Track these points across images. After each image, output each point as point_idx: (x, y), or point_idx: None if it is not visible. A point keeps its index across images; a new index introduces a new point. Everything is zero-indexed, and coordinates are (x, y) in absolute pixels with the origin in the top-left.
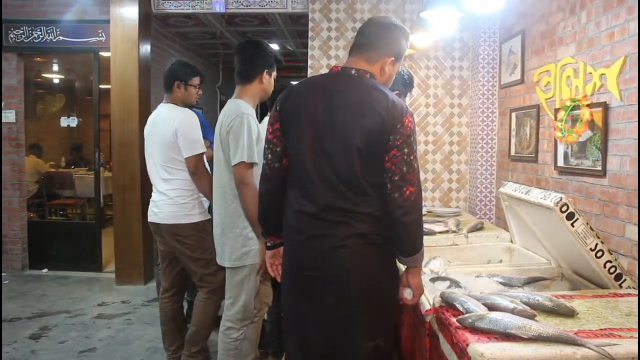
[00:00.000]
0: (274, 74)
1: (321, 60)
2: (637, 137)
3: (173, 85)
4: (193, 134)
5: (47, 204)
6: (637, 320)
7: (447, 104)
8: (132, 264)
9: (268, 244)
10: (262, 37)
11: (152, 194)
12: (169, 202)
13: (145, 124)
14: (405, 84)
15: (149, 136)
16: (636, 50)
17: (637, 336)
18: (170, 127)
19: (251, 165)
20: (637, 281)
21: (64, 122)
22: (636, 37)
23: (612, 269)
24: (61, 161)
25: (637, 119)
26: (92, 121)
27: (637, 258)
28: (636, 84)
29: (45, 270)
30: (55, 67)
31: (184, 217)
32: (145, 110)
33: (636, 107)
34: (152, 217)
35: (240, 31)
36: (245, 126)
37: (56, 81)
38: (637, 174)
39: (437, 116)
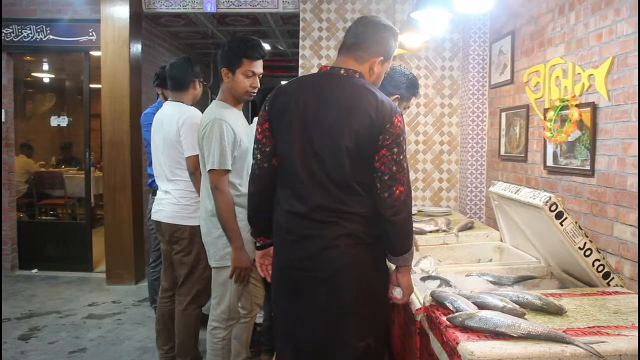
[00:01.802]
0: (243, 70)
1: (312, 60)
2: (624, 137)
3: (190, 84)
4: (194, 134)
5: (37, 204)
6: (624, 317)
7: (438, 104)
8: (122, 264)
9: (258, 244)
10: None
11: (158, 192)
12: (173, 201)
13: (136, 123)
14: (408, 86)
15: (155, 134)
16: (624, 51)
17: (625, 334)
18: (174, 125)
19: (224, 172)
20: (624, 279)
21: (54, 121)
22: (623, 39)
23: (600, 268)
24: (52, 161)
25: (624, 119)
26: (82, 121)
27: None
28: (623, 85)
29: (35, 270)
30: (46, 67)
31: (183, 219)
32: (136, 110)
33: (624, 108)
34: (154, 215)
35: (231, 31)
36: (216, 132)
37: (46, 80)
38: (625, 174)
39: (427, 116)
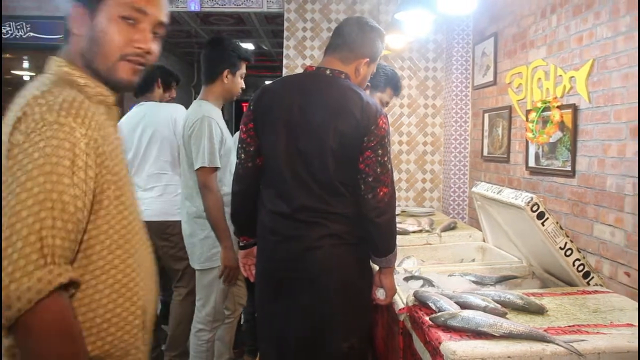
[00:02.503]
0: (241, 72)
1: (296, 60)
2: (604, 138)
3: (154, 83)
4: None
5: None
6: (603, 316)
7: (421, 105)
8: None
9: (241, 244)
10: (237, 37)
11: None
12: (159, 198)
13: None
14: (387, 81)
15: (132, 132)
16: (603, 54)
17: (604, 332)
18: (170, 124)
19: (214, 169)
20: (603, 279)
21: None
22: (603, 42)
23: (581, 267)
24: None
25: (604, 121)
26: None
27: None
28: (603, 87)
29: None
30: (26, 64)
31: (173, 215)
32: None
33: (603, 110)
34: None
35: (215, 30)
36: (206, 130)
37: (26, 79)
38: (604, 175)
39: (411, 117)
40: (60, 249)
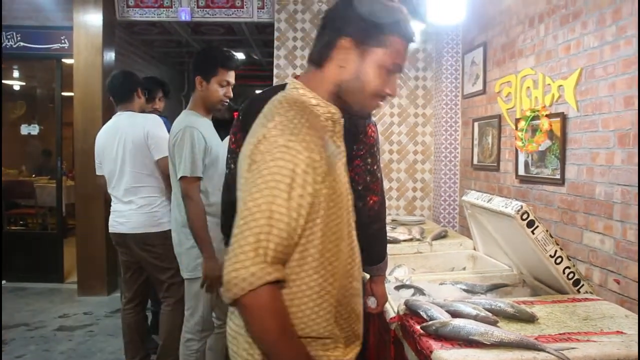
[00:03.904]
0: (218, 79)
1: (287, 69)
2: (592, 146)
3: (134, 93)
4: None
5: (6, 213)
6: (594, 324)
7: (411, 114)
8: (94, 275)
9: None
10: (228, 46)
11: (113, 204)
12: (138, 210)
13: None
14: None
15: (111, 144)
16: (591, 63)
17: (594, 340)
18: (140, 132)
19: (196, 179)
20: (593, 286)
21: (25, 129)
22: (590, 51)
23: (571, 275)
24: (22, 170)
25: (592, 129)
26: (54, 129)
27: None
28: (591, 96)
29: (3, 282)
30: (16, 74)
31: (154, 226)
32: (108, 119)
33: (591, 118)
34: (116, 228)
35: (206, 40)
36: (187, 140)
37: (16, 88)
38: (593, 183)
39: (401, 125)
40: (273, 252)
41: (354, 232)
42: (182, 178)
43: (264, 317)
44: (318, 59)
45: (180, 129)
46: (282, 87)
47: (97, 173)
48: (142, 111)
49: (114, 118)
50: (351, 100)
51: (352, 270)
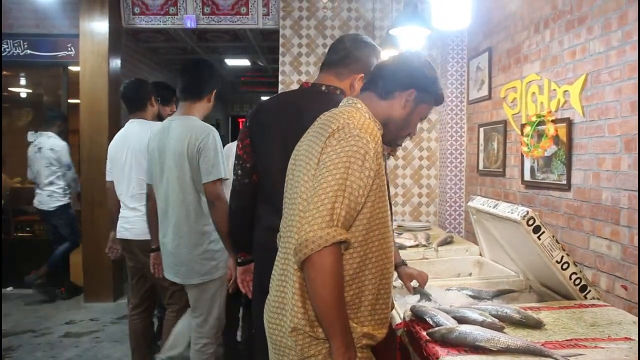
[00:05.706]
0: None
1: (292, 76)
2: (599, 152)
3: (148, 102)
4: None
5: (13, 220)
6: (601, 330)
7: None
8: (101, 281)
9: (239, 260)
10: (233, 53)
11: (121, 210)
12: (143, 217)
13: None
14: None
15: (120, 151)
16: (596, 68)
17: (602, 346)
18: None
19: (222, 180)
20: (600, 292)
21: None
22: (596, 56)
23: (578, 281)
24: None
25: (598, 135)
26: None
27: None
28: (597, 101)
29: (10, 288)
30: (23, 81)
31: None
32: (114, 126)
33: (597, 123)
34: (123, 234)
35: (211, 47)
36: (218, 143)
37: (23, 95)
38: (600, 188)
39: None
40: (343, 218)
41: (391, 228)
42: (217, 181)
43: (329, 274)
44: (384, 93)
45: (207, 132)
46: (290, 93)
47: (107, 179)
48: (160, 117)
49: (126, 125)
50: (390, 131)
51: (390, 258)
